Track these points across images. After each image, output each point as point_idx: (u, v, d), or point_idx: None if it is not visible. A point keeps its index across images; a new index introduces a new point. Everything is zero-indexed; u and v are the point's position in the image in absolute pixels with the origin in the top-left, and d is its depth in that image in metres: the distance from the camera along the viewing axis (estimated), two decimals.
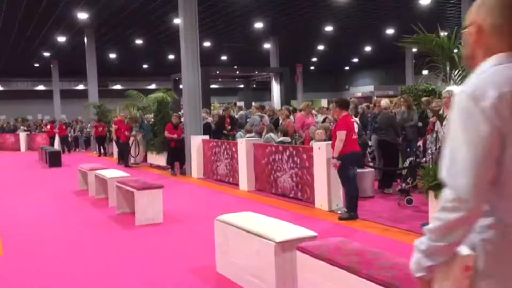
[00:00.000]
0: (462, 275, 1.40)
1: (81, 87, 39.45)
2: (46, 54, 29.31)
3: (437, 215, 1.42)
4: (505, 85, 1.37)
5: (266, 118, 12.75)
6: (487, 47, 1.49)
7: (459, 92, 1.45)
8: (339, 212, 7.28)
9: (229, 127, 13.85)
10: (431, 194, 5.76)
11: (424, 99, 10.78)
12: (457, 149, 1.40)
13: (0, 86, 40.31)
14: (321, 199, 7.64)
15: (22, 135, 24.44)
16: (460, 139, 1.39)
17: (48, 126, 18.78)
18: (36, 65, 33.93)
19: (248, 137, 10.84)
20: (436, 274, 1.44)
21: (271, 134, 10.30)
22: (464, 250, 1.42)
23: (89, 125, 22.34)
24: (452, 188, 1.39)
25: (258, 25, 22.95)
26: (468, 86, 1.42)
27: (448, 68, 6.32)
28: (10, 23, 20.55)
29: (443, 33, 6.71)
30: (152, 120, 15.09)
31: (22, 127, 26.15)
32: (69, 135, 22.98)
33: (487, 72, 1.43)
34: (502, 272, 1.38)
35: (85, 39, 23.61)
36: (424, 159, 6.95)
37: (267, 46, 28.14)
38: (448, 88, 6.32)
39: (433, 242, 1.42)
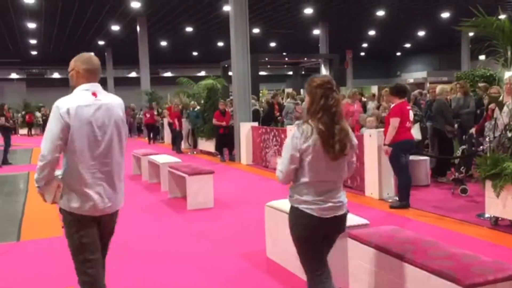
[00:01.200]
0: (57, 190, 2.86)
1: (133, 74, 40.55)
2: (101, 42, 30.26)
3: (38, 162, 2.78)
4: (74, 102, 2.80)
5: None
6: (80, 82, 2.95)
7: (56, 103, 2.79)
8: (390, 200, 7.15)
9: (278, 113, 13.85)
10: (488, 183, 5.55)
11: (481, 84, 10.36)
12: (48, 130, 2.78)
13: (58, 74, 42.06)
14: (371, 187, 7.53)
15: None
16: (51, 126, 2.77)
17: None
18: (91, 53, 35.12)
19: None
20: (45, 189, 2.84)
21: None
22: (58, 174, 2.86)
23: (141, 111, 22.89)
24: (42, 150, 2.75)
25: (308, 10, 22.67)
26: (60, 102, 2.80)
27: (509, 53, 6.02)
28: (67, 12, 21.32)
29: (503, 16, 6.37)
30: (198, 107, 15.23)
31: None
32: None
33: (74, 95, 2.88)
34: (67, 190, 2.85)
35: (138, 28, 24.18)
36: (481, 147, 6.68)
37: (316, 32, 27.79)
38: (511, 73, 6.02)
39: (37, 175, 2.80)
